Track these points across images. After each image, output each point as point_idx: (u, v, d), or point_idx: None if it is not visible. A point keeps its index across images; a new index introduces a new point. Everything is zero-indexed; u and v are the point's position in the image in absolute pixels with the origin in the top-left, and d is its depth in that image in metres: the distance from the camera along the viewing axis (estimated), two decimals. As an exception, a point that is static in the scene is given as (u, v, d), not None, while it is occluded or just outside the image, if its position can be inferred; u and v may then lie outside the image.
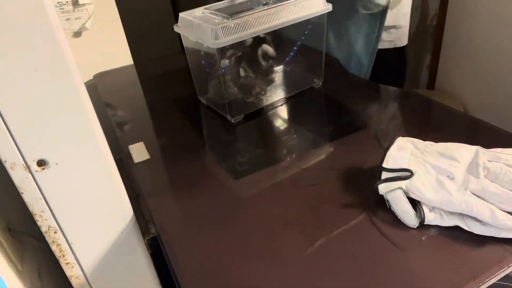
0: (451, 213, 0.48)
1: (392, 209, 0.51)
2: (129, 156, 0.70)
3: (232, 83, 0.77)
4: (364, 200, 0.54)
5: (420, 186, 0.49)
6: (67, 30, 1.01)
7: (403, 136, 0.60)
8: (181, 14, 0.77)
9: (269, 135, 0.75)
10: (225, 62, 0.74)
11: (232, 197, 0.59)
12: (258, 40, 0.76)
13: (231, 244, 0.51)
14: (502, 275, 0.44)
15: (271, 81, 0.84)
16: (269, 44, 0.78)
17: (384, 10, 0.96)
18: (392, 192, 0.50)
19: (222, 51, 0.73)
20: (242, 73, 0.77)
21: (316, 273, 0.45)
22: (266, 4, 0.74)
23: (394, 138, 0.58)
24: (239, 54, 0.75)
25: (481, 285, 0.42)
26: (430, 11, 1.39)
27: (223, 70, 0.74)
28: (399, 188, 0.50)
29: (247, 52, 0.77)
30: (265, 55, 0.79)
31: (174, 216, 0.58)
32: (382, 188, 0.52)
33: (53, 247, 0.54)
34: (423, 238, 0.48)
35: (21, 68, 0.43)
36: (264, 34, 0.75)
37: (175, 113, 0.85)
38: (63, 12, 0.98)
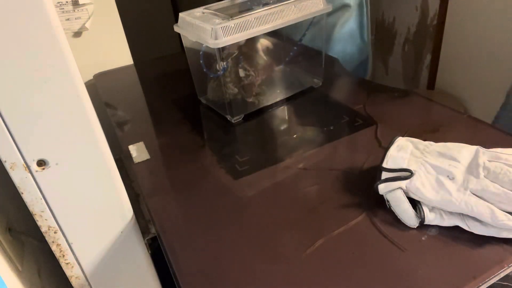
0: (451, 213, 0.48)
1: (392, 209, 0.51)
2: (129, 156, 0.70)
3: (231, 83, 0.77)
4: (364, 200, 0.54)
5: (420, 186, 0.49)
6: (67, 30, 1.01)
7: (403, 136, 0.60)
8: (181, 14, 0.77)
9: (269, 135, 0.75)
10: (225, 62, 0.74)
11: (232, 197, 0.59)
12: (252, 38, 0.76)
13: (231, 244, 0.51)
14: (502, 275, 0.44)
15: (272, 79, 0.84)
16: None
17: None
18: (392, 192, 0.50)
19: (222, 51, 0.73)
20: (241, 73, 0.77)
21: (316, 273, 0.45)
22: (266, 4, 0.74)
23: (394, 138, 0.58)
24: (237, 53, 0.74)
25: (481, 285, 0.42)
26: (430, 11, 1.39)
27: (222, 70, 0.74)
28: (399, 188, 0.50)
29: (244, 51, 0.77)
30: (265, 49, 0.79)
31: (174, 216, 0.58)
32: (382, 188, 0.52)
33: (53, 247, 0.54)
34: (423, 238, 0.48)
35: (21, 68, 0.43)
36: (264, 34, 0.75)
37: (175, 113, 0.85)
38: (63, 12, 0.98)
